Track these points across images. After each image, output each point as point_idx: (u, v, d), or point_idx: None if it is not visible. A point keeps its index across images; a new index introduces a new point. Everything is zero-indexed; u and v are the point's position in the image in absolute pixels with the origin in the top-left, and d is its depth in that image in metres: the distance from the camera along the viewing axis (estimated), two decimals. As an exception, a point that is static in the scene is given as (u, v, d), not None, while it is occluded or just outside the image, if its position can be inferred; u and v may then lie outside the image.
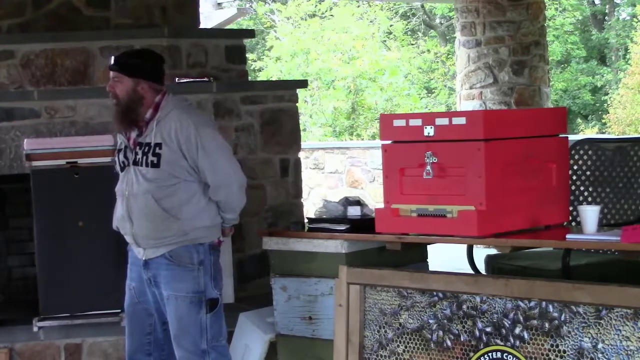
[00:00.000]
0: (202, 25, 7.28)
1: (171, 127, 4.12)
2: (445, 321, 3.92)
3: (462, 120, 3.97)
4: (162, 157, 4.11)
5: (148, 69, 4.22)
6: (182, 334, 4.17)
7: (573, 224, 4.61)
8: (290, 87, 6.23)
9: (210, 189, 4.18)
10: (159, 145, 4.12)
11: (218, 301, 4.21)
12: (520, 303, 3.73)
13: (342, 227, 4.41)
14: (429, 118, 4.07)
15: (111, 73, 4.22)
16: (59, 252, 5.18)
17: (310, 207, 10.08)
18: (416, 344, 4.01)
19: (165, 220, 4.12)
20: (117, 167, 4.29)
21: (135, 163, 4.17)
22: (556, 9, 23.15)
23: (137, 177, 4.15)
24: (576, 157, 5.07)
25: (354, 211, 4.54)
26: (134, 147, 4.19)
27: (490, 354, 3.80)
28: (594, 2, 26.23)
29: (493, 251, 4.69)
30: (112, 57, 4.25)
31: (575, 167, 5.05)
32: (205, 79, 5.80)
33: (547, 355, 3.66)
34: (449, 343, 3.91)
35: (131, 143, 4.21)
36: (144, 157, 4.14)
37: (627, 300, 3.48)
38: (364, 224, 4.37)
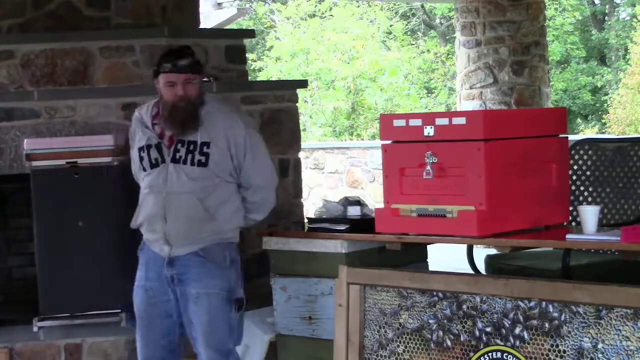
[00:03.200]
0: (202, 25, 7.28)
1: (220, 127, 4.10)
2: (445, 321, 3.92)
3: (462, 120, 3.97)
4: (211, 156, 4.08)
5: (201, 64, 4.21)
6: (212, 333, 4.11)
7: (573, 224, 4.61)
8: (290, 87, 6.22)
9: (249, 190, 4.19)
10: (206, 144, 4.08)
11: (243, 301, 4.19)
12: (520, 303, 3.73)
13: (342, 227, 4.41)
14: (429, 118, 4.07)
15: (180, 76, 4.07)
16: (59, 252, 5.17)
17: (310, 207, 10.07)
18: (416, 344, 4.01)
19: (203, 220, 4.09)
20: (145, 164, 4.17)
21: (176, 161, 4.09)
22: (556, 9, 23.15)
23: (179, 175, 4.08)
24: (576, 157, 5.07)
25: (354, 211, 4.54)
26: (171, 144, 4.12)
27: (490, 354, 3.80)
28: (594, 2, 26.23)
29: (493, 251, 4.68)
30: (178, 60, 4.08)
31: (575, 167, 5.05)
32: (205, 79, 5.80)
33: (547, 355, 3.66)
34: (449, 343, 3.91)
35: (166, 140, 4.13)
36: (189, 155, 4.08)
37: (627, 300, 3.48)
38: (364, 224, 4.37)
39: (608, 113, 21.55)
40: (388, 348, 4.09)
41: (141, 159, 4.18)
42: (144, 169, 4.17)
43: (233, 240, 4.21)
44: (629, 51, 22.28)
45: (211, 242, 4.12)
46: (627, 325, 3.48)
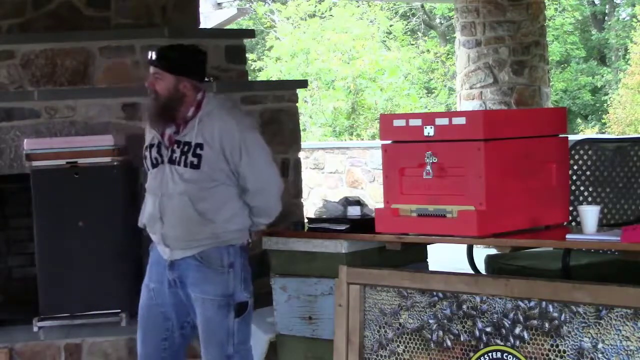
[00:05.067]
0: (202, 25, 7.28)
1: (214, 128, 3.95)
2: (445, 321, 3.92)
3: (462, 120, 3.97)
4: (203, 158, 3.94)
5: (192, 66, 4.05)
6: (209, 337, 4.05)
7: (573, 224, 4.61)
8: (290, 87, 6.22)
9: (248, 193, 4.03)
10: (200, 145, 3.95)
11: (247, 305, 4.08)
12: (520, 303, 3.73)
13: (342, 227, 4.40)
14: (429, 118, 4.07)
15: (151, 68, 4.01)
16: (59, 252, 5.17)
17: (310, 207, 10.08)
18: (416, 344, 4.01)
19: (198, 224, 3.97)
20: (148, 164, 4.09)
21: (172, 162, 3.99)
22: (556, 9, 23.16)
23: (173, 176, 3.98)
24: (576, 157, 5.07)
25: (354, 211, 4.54)
26: (170, 144, 4.01)
27: (490, 354, 3.80)
28: (594, 2, 26.24)
29: (493, 251, 4.68)
30: (153, 52, 4.03)
31: (575, 167, 5.05)
32: (206, 79, 5.79)
33: (547, 355, 3.66)
34: (449, 343, 3.91)
35: (166, 140, 4.03)
36: (183, 157, 3.96)
37: (627, 300, 3.48)
38: (364, 224, 4.37)
39: (608, 113, 21.56)
40: (388, 348, 4.09)
41: (145, 158, 4.11)
42: (148, 169, 4.11)
43: (234, 242, 4.05)
44: (629, 51, 22.29)
45: (209, 245, 4.00)
46: (627, 325, 3.48)
